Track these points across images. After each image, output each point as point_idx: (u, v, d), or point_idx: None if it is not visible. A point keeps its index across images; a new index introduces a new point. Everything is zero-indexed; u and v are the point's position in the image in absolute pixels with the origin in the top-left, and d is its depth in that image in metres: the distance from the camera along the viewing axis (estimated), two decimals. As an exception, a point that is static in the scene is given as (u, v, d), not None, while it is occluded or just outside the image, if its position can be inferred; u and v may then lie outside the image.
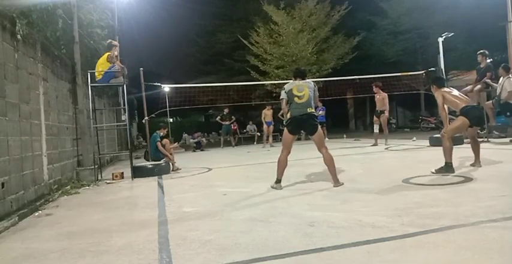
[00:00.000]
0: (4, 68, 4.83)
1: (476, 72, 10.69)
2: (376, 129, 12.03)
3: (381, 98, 11.84)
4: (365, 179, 5.94)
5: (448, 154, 5.78)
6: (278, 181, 5.58)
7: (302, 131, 5.83)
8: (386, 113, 11.81)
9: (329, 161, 5.45)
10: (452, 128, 6.04)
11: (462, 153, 7.36)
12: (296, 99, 5.43)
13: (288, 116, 5.55)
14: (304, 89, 5.44)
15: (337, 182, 5.40)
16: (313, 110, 5.49)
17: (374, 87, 12.08)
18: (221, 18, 29.76)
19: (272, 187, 5.56)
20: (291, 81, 5.75)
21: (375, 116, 12.08)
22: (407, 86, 17.31)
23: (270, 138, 16.13)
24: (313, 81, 5.83)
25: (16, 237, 3.99)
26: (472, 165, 6.19)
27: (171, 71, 40.20)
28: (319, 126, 5.59)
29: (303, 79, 5.70)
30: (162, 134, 9.36)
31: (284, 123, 5.76)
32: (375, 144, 11.90)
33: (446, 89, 6.28)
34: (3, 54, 4.86)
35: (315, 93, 5.56)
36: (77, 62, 8.45)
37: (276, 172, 5.61)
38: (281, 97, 5.64)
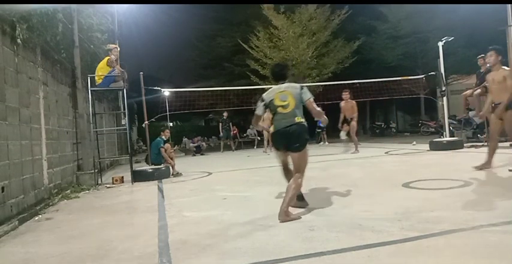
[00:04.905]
0: (4, 72, 4.85)
1: (476, 77, 10.69)
2: (343, 136, 11.96)
3: (351, 106, 11.70)
4: (365, 183, 5.94)
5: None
6: None
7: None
8: (355, 121, 11.64)
9: (293, 188, 4.15)
10: None
11: (462, 156, 7.37)
12: (280, 109, 4.33)
13: (272, 129, 4.48)
14: (287, 97, 4.32)
15: (285, 215, 3.90)
16: (303, 120, 4.33)
17: (348, 93, 11.86)
18: (221, 23, 29.80)
19: None
20: (272, 87, 4.63)
21: (345, 124, 11.79)
22: (407, 90, 17.32)
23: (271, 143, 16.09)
24: (304, 85, 4.65)
25: (16, 242, 3.98)
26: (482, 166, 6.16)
27: (171, 75, 40.19)
28: (306, 146, 4.38)
29: (284, 80, 4.57)
30: (164, 137, 9.30)
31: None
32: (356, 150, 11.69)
33: None
34: (3, 59, 4.87)
35: (304, 96, 4.35)
36: (77, 66, 8.47)
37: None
38: (257, 112, 4.56)
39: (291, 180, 4.27)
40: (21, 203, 5.09)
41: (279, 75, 4.67)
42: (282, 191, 5.47)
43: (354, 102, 11.83)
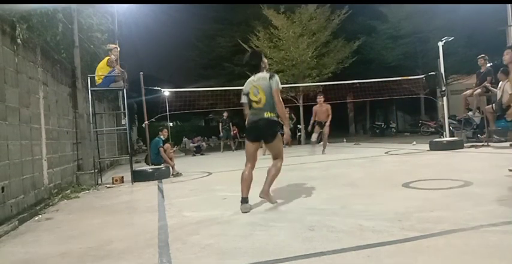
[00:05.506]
0: (4, 72, 4.85)
1: (476, 77, 10.71)
2: (314, 137, 11.95)
3: (325, 109, 11.69)
4: (365, 183, 5.94)
5: None
6: (244, 201, 4.54)
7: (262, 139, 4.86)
8: (327, 126, 11.73)
9: (273, 172, 4.71)
10: None
11: (462, 156, 7.37)
12: (254, 104, 4.69)
13: (247, 121, 4.87)
14: (259, 93, 4.60)
15: (265, 194, 4.56)
16: (272, 115, 4.61)
17: (322, 97, 11.88)
18: (221, 23, 29.89)
19: (242, 211, 4.46)
20: (248, 80, 4.90)
21: (317, 126, 11.83)
22: (407, 90, 17.33)
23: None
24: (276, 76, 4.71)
25: (16, 242, 3.98)
26: None
27: (171, 75, 40.32)
28: (279, 135, 4.75)
29: (258, 71, 4.80)
30: (163, 137, 9.29)
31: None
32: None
33: None
34: (3, 59, 4.87)
35: (272, 85, 4.55)
36: (77, 66, 8.48)
37: (241, 190, 4.65)
38: (242, 101, 4.89)
39: (271, 165, 4.81)
40: (21, 203, 5.09)
41: (251, 66, 4.90)
42: (282, 191, 5.50)
43: (328, 106, 11.82)
